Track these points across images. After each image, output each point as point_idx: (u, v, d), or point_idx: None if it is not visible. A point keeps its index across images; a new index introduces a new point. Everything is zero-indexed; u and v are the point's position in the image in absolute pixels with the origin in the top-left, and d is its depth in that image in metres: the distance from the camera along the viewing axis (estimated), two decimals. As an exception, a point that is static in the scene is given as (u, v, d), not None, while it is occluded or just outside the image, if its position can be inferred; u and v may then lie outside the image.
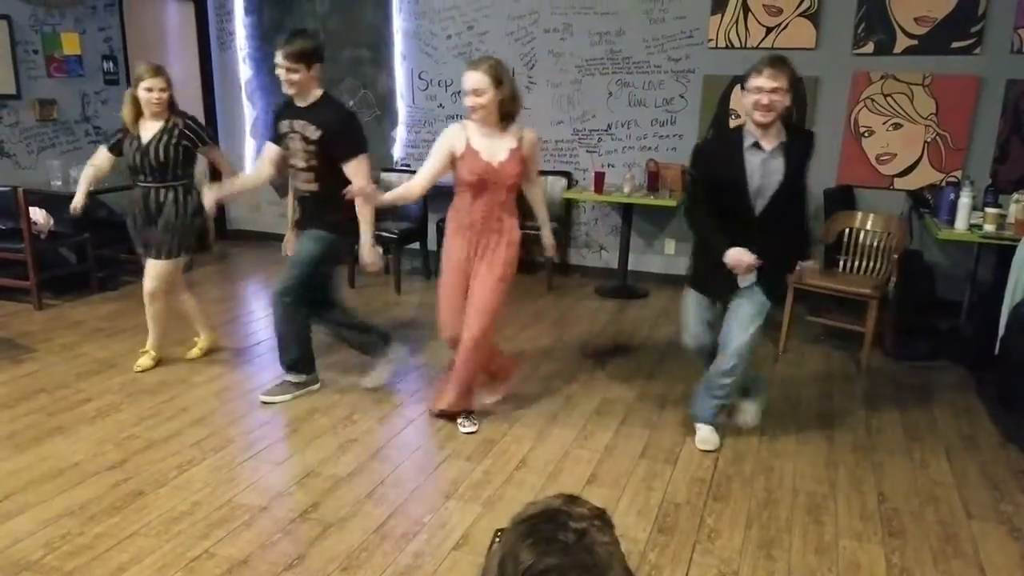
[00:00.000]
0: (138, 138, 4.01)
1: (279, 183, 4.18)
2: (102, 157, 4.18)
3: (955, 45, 5.29)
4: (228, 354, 4.56)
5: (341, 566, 2.61)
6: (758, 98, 3.05)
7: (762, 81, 3.02)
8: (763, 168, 3.16)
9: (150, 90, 3.95)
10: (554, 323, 5.29)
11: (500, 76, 3.25)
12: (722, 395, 3.47)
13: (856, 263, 4.76)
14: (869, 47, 5.48)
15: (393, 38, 6.67)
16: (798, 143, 3.20)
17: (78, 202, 4.18)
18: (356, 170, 3.61)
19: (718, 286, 3.38)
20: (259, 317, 5.37)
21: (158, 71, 3.96)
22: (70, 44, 6.15)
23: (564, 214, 6.32)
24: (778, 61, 3.05)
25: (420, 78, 6.70)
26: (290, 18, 6.94)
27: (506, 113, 3.32)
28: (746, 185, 3.17)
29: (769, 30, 5.65)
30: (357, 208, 3.63)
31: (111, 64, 6.48)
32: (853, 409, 3.98)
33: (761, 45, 5.62)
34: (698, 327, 3.50)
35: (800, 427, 3.74)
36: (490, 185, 3.36)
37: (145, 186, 4.06)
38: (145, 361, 4.30)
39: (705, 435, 3.53)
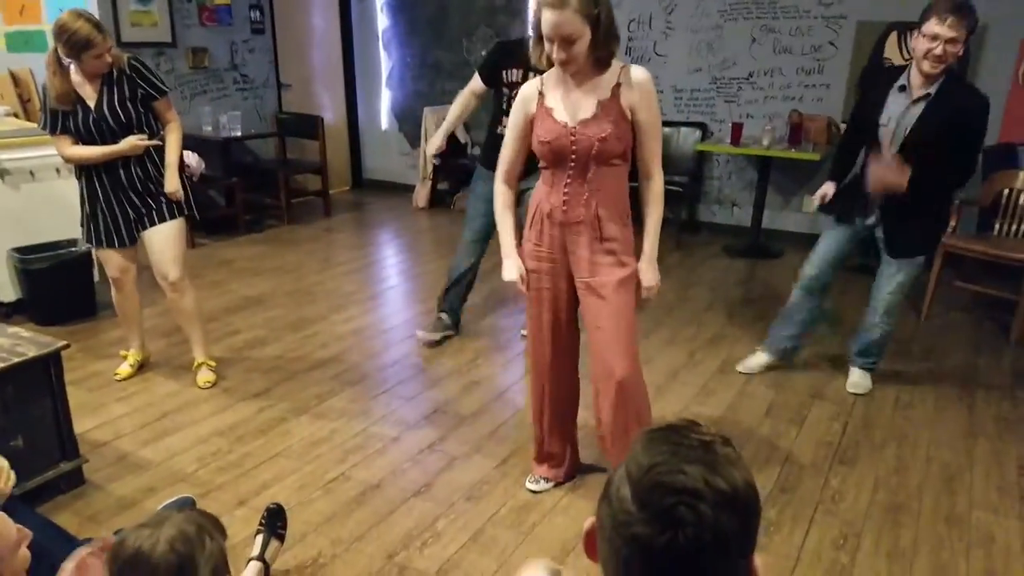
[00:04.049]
0: (82, 104, 3.08)
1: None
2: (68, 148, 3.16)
3: None
4: (363, 296, 4.78)
5: (465, 496, 2.73)
6: (931, 47, 2.82)
7: (942, 29, 2.77)
8: (904, 114, 2.97)
9: (100, 57, 2.99)
10: (679, 281, 5.21)
11: (595, 6, 2.15)
12: (869, 345, 3.53)
13: (1014, 227, 4.42)
14: (1046, -10, 4.99)
15: (528, -14, 6.62)
16: (956, 99, 2.91)
17: None
18: None
19: (850, 206, 3.30)
20: (392, 264, 5.58)
21: (101, 26, 2.97)
22: (221, -5, 6.48)
23: (696, 168, 6.16)
24: (964, 8, 2.78)
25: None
26: (428, -32, 7.03)
27: (599, 57, 2.26)
28: (876, 125, 3.05)
29: (930, -27, 5.23)
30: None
31: (258, 13, 6.78)
32: (999, 381, 3.74)
33: (920, -11, 5.22)
34: (821, 256, 3.42)
35: (939, 396, 3.56)
36: (566, 157, 2.34)
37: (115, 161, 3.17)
38: (126, 368, 3.63)
39: (856, 379, 3.58)
